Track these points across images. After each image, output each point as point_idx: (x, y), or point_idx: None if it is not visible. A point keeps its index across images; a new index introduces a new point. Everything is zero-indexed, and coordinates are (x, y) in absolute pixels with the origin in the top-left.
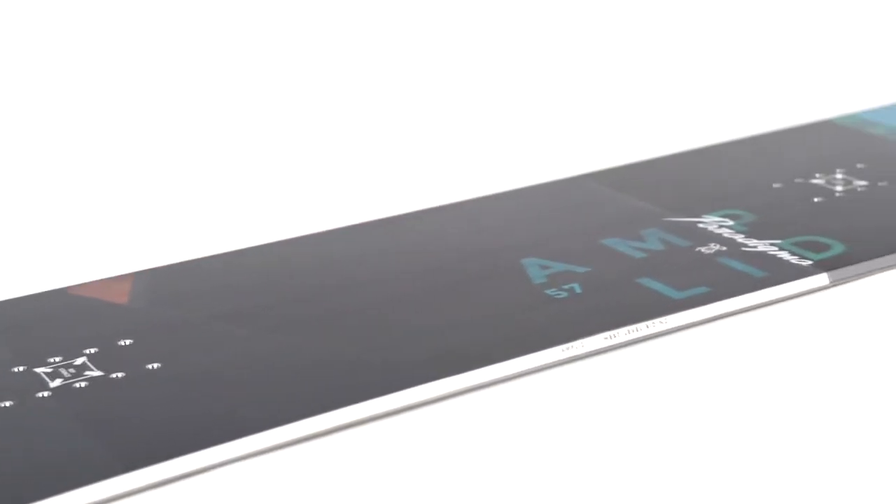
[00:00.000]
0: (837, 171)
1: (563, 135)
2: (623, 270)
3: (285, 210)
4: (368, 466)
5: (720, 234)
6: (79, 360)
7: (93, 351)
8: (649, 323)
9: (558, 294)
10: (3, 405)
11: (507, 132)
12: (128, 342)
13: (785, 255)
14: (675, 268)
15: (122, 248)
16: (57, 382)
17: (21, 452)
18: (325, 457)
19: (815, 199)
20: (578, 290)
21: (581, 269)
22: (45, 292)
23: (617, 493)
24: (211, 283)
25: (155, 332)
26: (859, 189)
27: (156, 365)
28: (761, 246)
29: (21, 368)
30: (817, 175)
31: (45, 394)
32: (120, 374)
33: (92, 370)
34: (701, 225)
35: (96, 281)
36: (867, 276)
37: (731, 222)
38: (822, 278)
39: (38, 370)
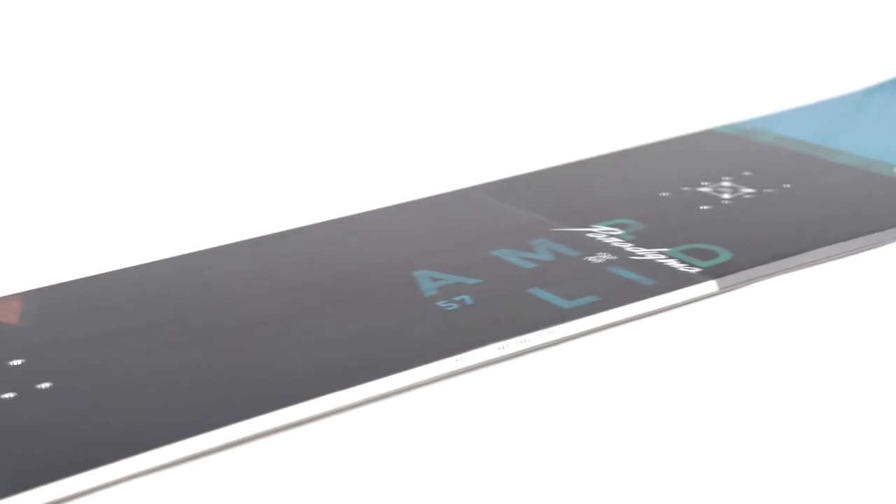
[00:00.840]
0: (724, 179)
1: (451, 147)
2: (513, 281)
3: (174, 226)
4: (260, 482)
5: (609, 244)
6: None
7: None
8: (540, 333)
9: (449, 306)
10: None
11: (395, 146)
12: (18, 362)
13: (673, 262)
14: (564, 277)
15: (12, 266)
16: None
17: None
18: (215, 474)
19: (703, 207)
20: (469, 302)
21: (472, 281)
22: None
23: None
24: (101, 301)
25: (45, 352)
26: (746, 196)
27: (46, 384)
28: (650, 254)
29: None
30: (704, 183)
31: None
32: (10, 395)
33: None
34: (590, 235)
35: None
36: (754, 282)
37: (619, 231)
38: (711, 285)
39: None
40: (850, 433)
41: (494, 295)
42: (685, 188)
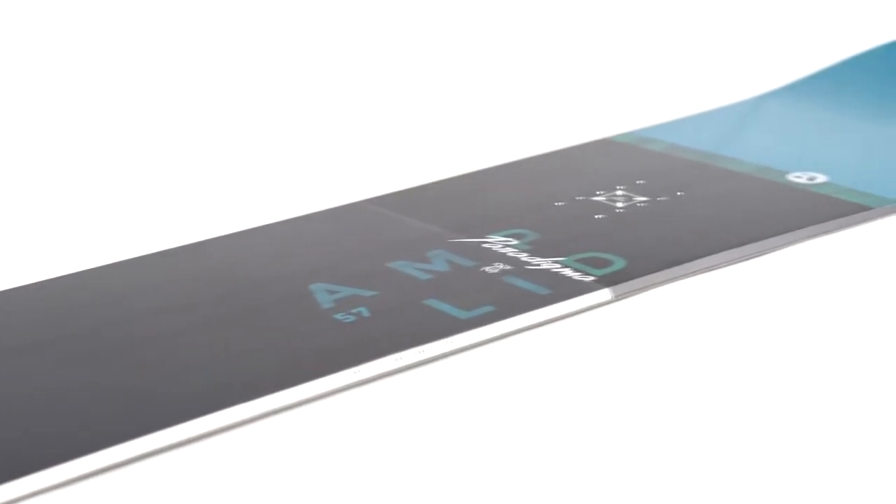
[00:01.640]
0: (618, 187)
1: (346, 160)
2: (410, 292)
3: (73, 242)
4: (164, 496)
5: (504, 254)
6: None
7: None
8: (437, 343)
9: (346, 318)
10: None
11: (289, 158)
12: None
13: (568, 271)
14: (461, 288)
15: None
16: None
17: None
18: (118, 488)
19: (597, 216)
20: (366, 314)
21: (368, 293)
22: None
23: None
24: (9, 316)
25: None
26: (639, 205)
27: None
28: (545, 264)
29: None
30: (598, 192)
31: None
32: None
33: None
34: (485, 245)
35: None
36: (648, 289)
37: (515, 241)
38: (605, 293)
39: None
40: (745, 436)
41: (391, 306)
42: (580, 197)
